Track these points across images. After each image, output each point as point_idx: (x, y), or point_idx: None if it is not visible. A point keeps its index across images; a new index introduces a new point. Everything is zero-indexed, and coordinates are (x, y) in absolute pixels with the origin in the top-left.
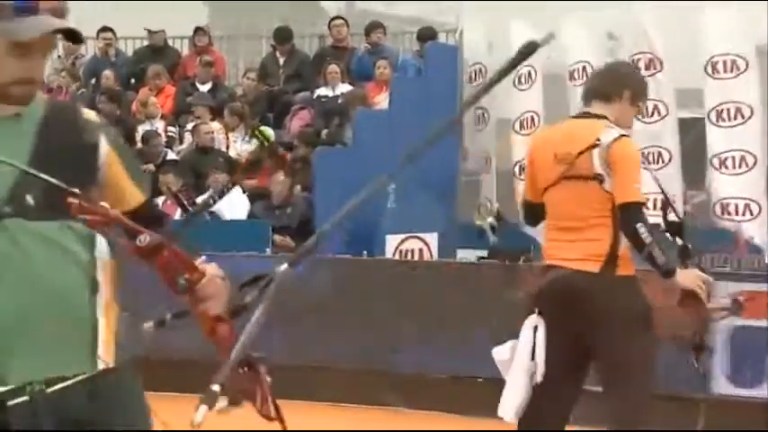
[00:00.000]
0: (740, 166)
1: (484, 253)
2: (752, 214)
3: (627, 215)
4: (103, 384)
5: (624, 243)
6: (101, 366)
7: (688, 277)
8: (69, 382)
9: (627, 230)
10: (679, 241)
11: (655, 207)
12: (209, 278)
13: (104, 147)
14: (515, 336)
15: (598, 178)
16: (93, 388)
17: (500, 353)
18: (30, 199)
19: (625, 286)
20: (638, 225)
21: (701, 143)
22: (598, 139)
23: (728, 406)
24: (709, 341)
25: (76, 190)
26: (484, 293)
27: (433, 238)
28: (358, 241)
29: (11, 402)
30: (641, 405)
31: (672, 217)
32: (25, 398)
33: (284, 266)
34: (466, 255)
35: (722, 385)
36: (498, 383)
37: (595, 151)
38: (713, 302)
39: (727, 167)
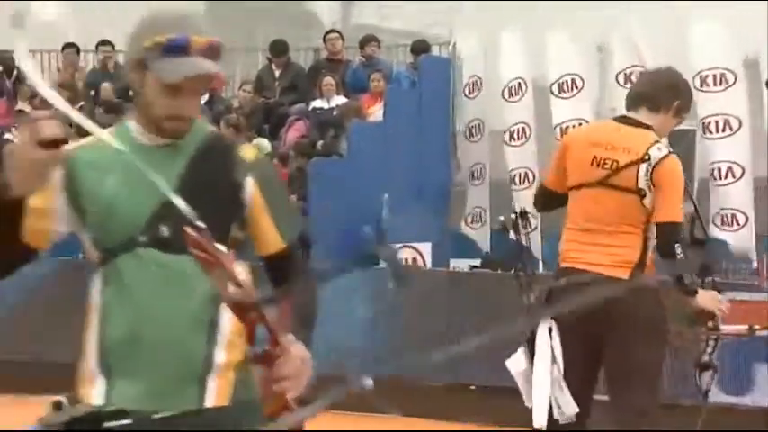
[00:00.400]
0: (727, 177)
1: (476, 262)
2: (738, 224)
3: (667, 234)
4: (207, 421)
5: (650, 252)
6: (209, 403)
7: (708, 298)
8: (169, 414)
9: (665, 248)
10: (700, 257)
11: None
12: (290, 358)
13: (250, 187)
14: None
15: (640, 193)
16: (196, 422)
17: (516, 363)
18: (165, 230)
19: (651, 294)
20: (677, 245)
21: (690, 154)
22: (648, 155)
23: (718, 412)
24: (714, 361)
25: (201, 224)
26: (477, 301)
27: (426, 248)
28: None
29: (110, 424)
30: (650, 412)
31: (698, 233)
32: (128, 421)
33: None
34: (458, 264)
35: (713, 393)
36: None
37: (643, 166)
38: (729, 327)
39: (715, 178)
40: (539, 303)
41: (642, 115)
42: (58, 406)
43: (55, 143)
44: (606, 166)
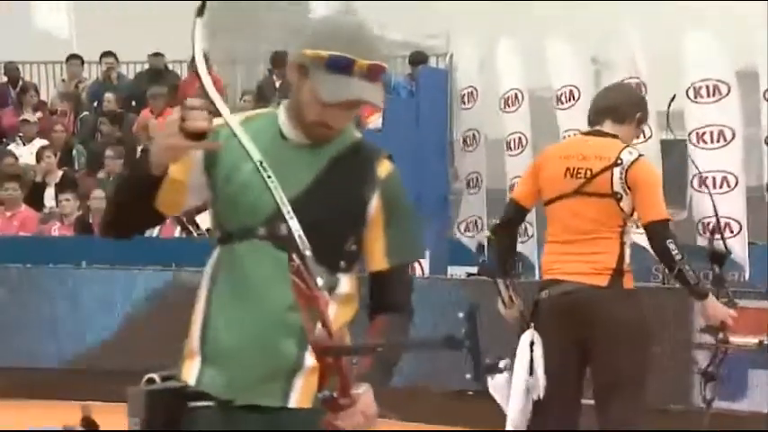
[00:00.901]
0: (722, 187)
1: (473, 270)
2: (732, 232)
3: (656, 233)
4: (284, 421)
5: (628, 258)
6: (292, 403)
7: (719, 309)
8: (251, 403)
9: (657, 248)
10: (716, 270)
11: (705, 231)
12: (355, 413)
13: (375, 204)
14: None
15: (616, 196)
16: (274, 420)
17: (495, 380)
18: (283, 228)
19: (630, 300)
20: (668, 242)
21: (683, 164)
22: (620, 159)
23: (713, 417)
24: (719, 372)
25: (308, 252)
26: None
27: (425, 256)
28: None
29: (194, 404)
30: (634, 419)
31: (719, 245)
32: (210, 403)
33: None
34: (456, 271)
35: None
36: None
37: (617, 170)
38: (738, 339)
39: (708, 188)
40: (525, 316)
41: (607, 127)
42: (150, 381)
43: (198, 135)
44: (580, 176)
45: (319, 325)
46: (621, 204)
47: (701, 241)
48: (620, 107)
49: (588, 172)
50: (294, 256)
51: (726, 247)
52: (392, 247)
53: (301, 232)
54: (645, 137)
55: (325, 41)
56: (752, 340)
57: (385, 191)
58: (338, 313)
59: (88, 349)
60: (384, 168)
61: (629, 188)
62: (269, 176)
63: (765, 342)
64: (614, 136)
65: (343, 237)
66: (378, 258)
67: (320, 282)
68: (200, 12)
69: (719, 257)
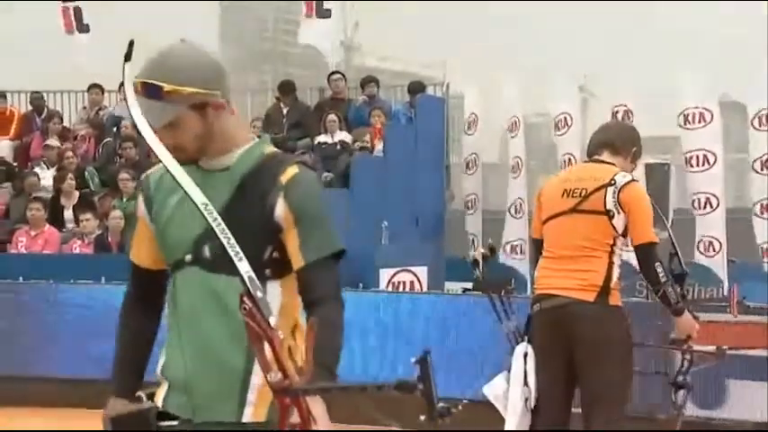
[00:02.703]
0: (705, 207)
1: (469, 285)
2: (714, 250)
3: (645, 255)
4: None
5: (616, 277)
6: (246, 419)
7: (687, 323)
8: (210, 421)
9: (644, 269)
10: (678, 289)
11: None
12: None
13: (280, 208)
14: (496, 362)
15: (608, 213)
16: None
17: (493, 389)
18: (207, 251)
19: (616, 315)
20: (656, 265)
21: (665, 187)
22: (614, 180)
23: (693, 425)
24: (688, 380)
25: (259, 292)
26: (470, 322)
27: (422, 272)
28: (354, 275)
29: (163, 424)
30: (619, 423)
31: (676, 266)
32: (174, 423)
33: None
34: (452, 286)
35: (688, 407)
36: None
37: (610, 189)
38: (699, 347)
39: (696, 208)
40: (518, 329)
41: (605, 156)
42: (138, 399)
43: None
44: (576, 195)
45: (275, 366)
46: (613, 222)
47: (698, 259)
48: (616, 141)
49: (584, 191)
50: (245, 299)
51: (682, 268)
52: (305, 245)
53: (252, 273)
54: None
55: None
56: (711, 348)
57: (288, 194)
58: (279, 324)
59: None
60: (287, 174)
61: (621, 208)
62: (208, 211)
63: (723, 348)
64: (611, 164)
65: (261, 248)
66: (295, 258)
67: (272, 321)
68: (128, 57)
69: (679, 277)
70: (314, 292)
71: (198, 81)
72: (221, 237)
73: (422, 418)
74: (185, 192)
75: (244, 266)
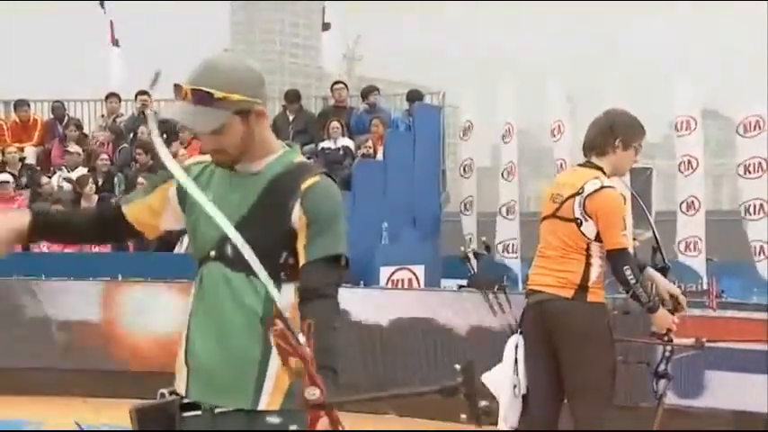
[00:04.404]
0: (689, 210)
1: (464, 282)
2: (696, 250)
3: (615, 260)
4: (258, 421)
5: (594, 276)
6: (263, 406)
7: (663, 319)
8: (228, 410)
9: (616, 273)
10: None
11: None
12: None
13: (297, 213)
14: (492, 353)
15: (577, 221)
16: (249, 420)
17: (491, 377)
18: (229, 249)
19: (593, 311)
20: (625, 268)
21: (647, 190)
22: (582, 189)
23: (674, 414)
24: (669, 371)
25: (287, 314)
26: (465, 316)
27: (420, 270)
28: (356, 273)
29: (186, 414)
30: (602, 414)
31: (659, 261)
32: (199, 413)
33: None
34: (448, 283)
35: (669, 396)
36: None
37: (577, 198)
38: (678, 339)
39: (683, 211)
40: (515, 321)
41: (594, 159)
42: (162, 396)
43: None
44: (557, 200)
45: (309, 383)
46: (582, 229)
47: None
48: (594, 141)
49: (561, 197)
50: (277, 320)
51: (664, 263)
52: (310, 245)
53: (278, 295)
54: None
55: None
56: (690, 340)
57: (305, 199)
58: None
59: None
60: (308, 182)
61: (588, 216)
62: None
63: (702, 340)
64: (599, 167)
65: (279, 251)
66: (300, 257)
67: (302, 340)
68: (154, 83)
69: (661, 272)
70: (308, 286)
71: (244, 89)
72: (241, 248)
73: (463, 416)
74: (200, 203)
75: (275, 292)
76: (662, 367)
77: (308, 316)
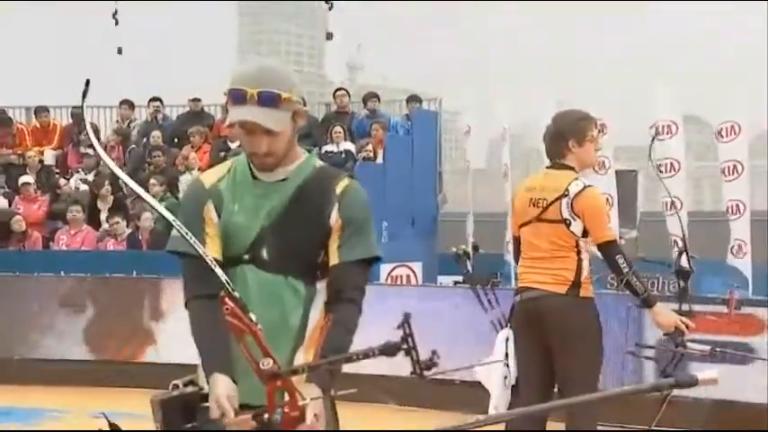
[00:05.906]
0: (671, 209)
1: (459, 278)
2: (678, 247)
3: (606, 251)
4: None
5: (585, 271)
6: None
7: (664, 316)
8: (252, 403)
9: (609, 263)
10: (681, 283)
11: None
12: (305, 424)
13: (334, 215)
14: (485, 344)
15: (566, 222)
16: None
17: (482, 370)
18: (264, 253)
19: (584, 307)
20: (617, 257)
21: (633, 191)
22: (567, 191)
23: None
24: (675, 372)
25: (237, 293)
26: (461, 311)
27: (418, 267)
28: None
29: (205, 404)
30: (590, 410)
31: (684, 263)
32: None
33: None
34: (445, 280)
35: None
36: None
37: (564, 200)
38: (693, 346)
39: (664, 211)
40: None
41: (563, 160)
42: (175, 387)
43: None
44: (539, 205)
45: (263, 355)
46: (571, 228)
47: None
48: (551, 150)
49: (544, 202)
50: (227, 299)
51: (690, 266)
52: (345, 246)
53: (226, 277)
54: (605, 168)
55: (232, 80)
56: (706, 347)
57: (342, 202)
58: (317, 318)
59: None
60: (341, 185)
61: (576, 215)
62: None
63: (717, 351)
64: (569, 167)
65: (315, 252)
66: (332, 256)
67: (253, 317)
68: (84, 95)
69: (685, 273)
70: (339, 287)
71: (295, 90)
72: (197, 249)
73: (409, 372)
74: (159, 213)
75: (219, 272)
76: (670, 368)
77: (331, 314)
